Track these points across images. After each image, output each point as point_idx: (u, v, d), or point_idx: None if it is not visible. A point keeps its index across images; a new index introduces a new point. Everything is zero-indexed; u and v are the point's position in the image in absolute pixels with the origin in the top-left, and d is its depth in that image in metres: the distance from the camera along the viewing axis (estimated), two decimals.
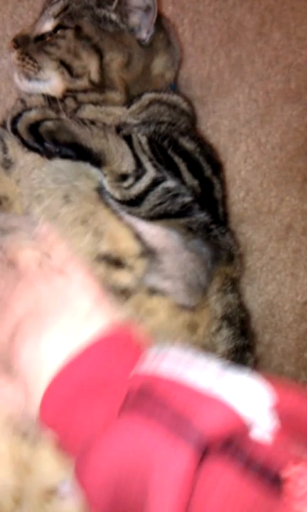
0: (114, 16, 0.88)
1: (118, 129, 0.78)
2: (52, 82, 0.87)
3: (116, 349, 0.58)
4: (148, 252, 0.75)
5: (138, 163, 0.75)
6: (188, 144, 0.84)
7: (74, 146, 0.74)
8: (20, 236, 0.73)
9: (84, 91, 0.87)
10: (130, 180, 0.75)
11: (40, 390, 0.56)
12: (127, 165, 0.74)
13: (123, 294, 0.74)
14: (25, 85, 0.89)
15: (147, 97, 0.90)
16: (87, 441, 0.51)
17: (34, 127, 0.73)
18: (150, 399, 0.50)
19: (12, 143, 0.80)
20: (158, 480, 0.44)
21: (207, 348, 0.77)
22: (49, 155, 0.75)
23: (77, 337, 0.58)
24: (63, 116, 0.77)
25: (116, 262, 0.75)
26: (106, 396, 0.55)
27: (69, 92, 0.88)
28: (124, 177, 0.75)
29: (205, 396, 0.49)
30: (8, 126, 0.78)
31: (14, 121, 0.75)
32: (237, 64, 1.20)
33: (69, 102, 0.88)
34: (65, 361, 0.56)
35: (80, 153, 0.74)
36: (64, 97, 0.88)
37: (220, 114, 1.18)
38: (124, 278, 0.74)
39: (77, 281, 0.64)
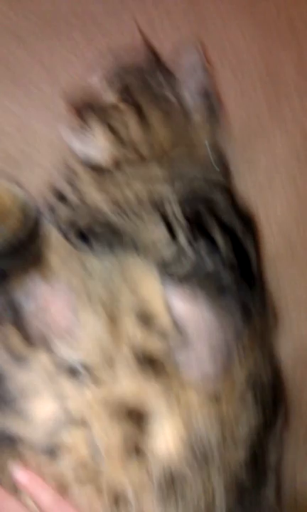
0: (171, 96, 0.95)
1: (153, 201, 0.83)
2: (103, 151, 0.94)
3: None
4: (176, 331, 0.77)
5: (172, 233, 0.79)
6: (230, 221, 0.86)
7: (111, 231, 0.80)
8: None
9: (131, 162, 0.93)
10: (162, 246, 0.79)
11: None
12: (160, 236, 0.79)
13: (153, 367, 0.76)
14: (78, 147, 0.97)
15: (189, 175, 0.93)
16: None
17: (76, 226, 0.81)
18: None
19: None
20: None
21: (231, 418, 0.76)
22: (92, 248, 0.81)
23: None
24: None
25: (148, 318, 0.78)
26: None
27: (116, 163, 0.93)
28: (157, 245, 0.80)
29: None
30: (55, 228, 0.84)
31: (54, 214, 0.84)
32: (276, 102, 1.23)
33: (117, 174, 0.93)
34: None
35: (121, 243, 0.80)
36: (111, 166, 0.94)
37: (257, 150, 1.21)
38: (155, 342, 0.77)
39: None
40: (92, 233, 0.81)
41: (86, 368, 0.76)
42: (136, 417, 0.74)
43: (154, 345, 0.76)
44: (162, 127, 0.93)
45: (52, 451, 0.73)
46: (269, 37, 1.26)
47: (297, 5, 1.28)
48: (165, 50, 1.21)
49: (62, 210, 0.92)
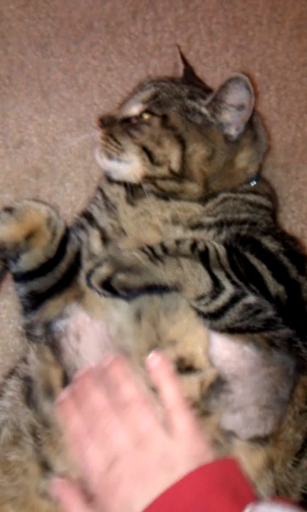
0: (204, 110, 0.87)
1: (194, 245, 0.76)
2: (132, 166, 0.87)
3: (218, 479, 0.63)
4: (217, 383, 0.73)
5: (216, 282, 0.73)
6: (271, 244, 0.80)
7: (149, 287, 0.74)
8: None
9: (163, 178, 0.86)
10: (207, 299, 0.73)
11: None
12: (204, 287, 0.73)
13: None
14: (105, 164, 0.89)
15: (222, 196, 0.88)
16: None
17: (107, 282, 0.73)
18: None
19: None
20: None
21: (285, 485, 0.71)
22: (127, 300, 0.77)
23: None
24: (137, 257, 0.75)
25: (187, 368, 0.74)
26: None
27: (147, 179, 0.87)
28: (201, 297, 0.73)
29: None
30: (85, 282, 0.79)
31: (88, 277, 0.75)
32: None
33: (148, 187, 0.87)
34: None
35: (156, 290, 0.74)
36: (142, 183, 0.87)
37: (304, 180, 1.14)
38: (193, 389, 0.73)
39: (184, 443, 0.68)
40: (121, 287, 0.74)
41: None
42: None
43: (191, 390, 0.72)
44: (193, 143, 0.85)
45: None
46: None
47: None
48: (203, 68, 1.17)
49: (93, 239, 0.86)
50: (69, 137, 1.10)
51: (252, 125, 0.91)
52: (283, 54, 1.24)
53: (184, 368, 0.73)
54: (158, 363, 0.73)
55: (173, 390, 0.71)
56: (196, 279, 0.73)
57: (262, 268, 0.76)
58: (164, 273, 0.73)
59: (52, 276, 0.83)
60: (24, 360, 0.80)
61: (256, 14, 1.28)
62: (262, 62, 1.23)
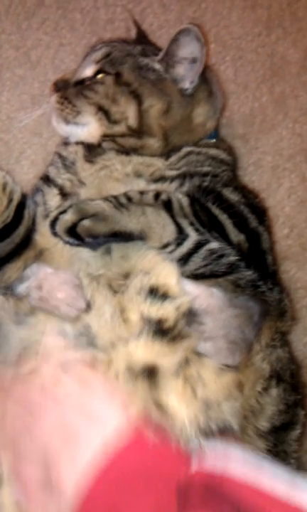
0: (157, 65, 0.87)
1: (157, 195, 0.77)
2: (90, 127, 0.87)
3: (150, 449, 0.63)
4: (189, 314, 0.74)
5: (180, 230, 0.75)
6: (232, 196, 0.82)
7: (114, 234, 0.74)
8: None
9: (122, 136, 0.87)
10: (172, 247, 0.75)
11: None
12: (168, 234, 0.74)
13: (169, 341, 0.73)
14: (63, 129, 0.89)
15: (186, 150, 0.88)
16: None
17: (72, 229, 0.74)
18: (224, 501, 0.50)
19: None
20: None
21: (254, 409, 0.74)
22: (92, 248, 0.77)
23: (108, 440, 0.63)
24: (98, 202, 0.76)
25: (162, 295, 0.75)
26: (151, 491, 0.55)
27: (106, 137, 0.87)
28: (166, 245, 0.75)
29: (286, 504, 0.50)
30: (49, 230, 0.79)
31: (52, 225, 0.76)
32: (281, 99, 1.17)
33: (108, 145, 0.87)
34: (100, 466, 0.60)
35: (121, 237, 0.75)
36: (101, 141, 0.88)
37: (263, 150, 1.15)
38: (169, 314, 0.74)
39: (99, 391, 0.69)
40: (87, 234, 0.74)
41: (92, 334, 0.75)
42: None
43: (168, 314, 0.74)
44: (149, 97, 0.86)
45: None
46: (273, 33, 1.21)
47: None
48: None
49: (50, 197, 0.86)
50: (24, 114, 1.08)
51: (206, 80, 0.92)
52: (238, 25, 1.24)
53: (159, 295, 0.74)
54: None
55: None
56: (160, 226, 0.74)
57: (223, 218, 0.78)
58: (129, 220, 0.74)
59: (11, 241, 0.82)
60: None
61: None
62: (217, 34, 1.22)
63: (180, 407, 0.70)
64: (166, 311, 0.73)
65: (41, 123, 1.08)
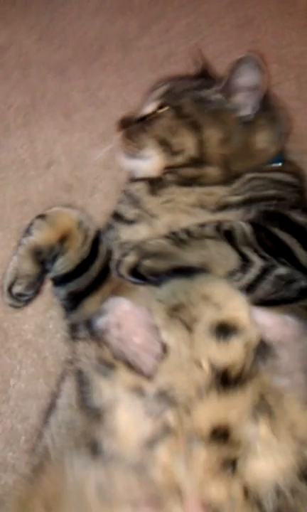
0: (217, 96, 0.88)
1: (218, 226, 0.76)
2: (153, 160, 0.89)
3: None
4: (263, 347, 0.71)
5: (244, 258, 0.73)
6: (300, 218, 0.80)
7: (176, 270, 0.74)
8: None
9: (183, 166, 0.87)
10: (239, 274, 0.73)
11: None
12: (232, 263, 0.73)
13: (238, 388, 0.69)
14: (128, 164, 0.92)
15: (249, 176, 0.87)
16: None
17: (134, 270, 0.75)
18: None
19: None
20: None
21: None
22: (157, 285, 0.77)
23: None
24: (157, 243, 0.76)
25: (230, 331, 0.72)
26: None
27: (168, 169, 0.88)
28: (232, 273, 0.73)
29: None
30: (114, 272, 0.81)
31: (117, 267, 0.77)
32: None
33: (170, 177, 0.88)
34: None
35: (183, 272, 0.75)
36: (163, 174, 0.88)
37: None
38: (236, 355, 0.71)
39: None
40: (149, 273, 0.75)
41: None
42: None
43: (235, 357, 0.70)
44: (209, 128, 0.85)
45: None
46: None
47: None
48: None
49: (122, 232, 0.87)
50: (94, 151, 1.12)
51: (268, 106, 0.91)
52: (298, 43, 1.24)
53: (228, 330, 0.71)
54: None
55: None
56: (223, 257, 0.73)
57: (291, 242, 0.75)
58: (190, 255, 0.74)
59: (88, 275, 0.84)
60: (71, 361, 0.80)
61: (267, 9, 1.29)
62: (278, 53, 1.23)
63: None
64: (234, 353, 0.71)
65: (110, 157, 1.10)
